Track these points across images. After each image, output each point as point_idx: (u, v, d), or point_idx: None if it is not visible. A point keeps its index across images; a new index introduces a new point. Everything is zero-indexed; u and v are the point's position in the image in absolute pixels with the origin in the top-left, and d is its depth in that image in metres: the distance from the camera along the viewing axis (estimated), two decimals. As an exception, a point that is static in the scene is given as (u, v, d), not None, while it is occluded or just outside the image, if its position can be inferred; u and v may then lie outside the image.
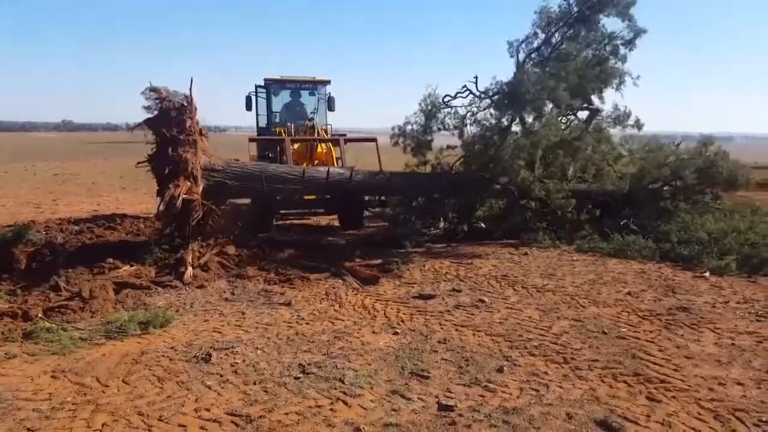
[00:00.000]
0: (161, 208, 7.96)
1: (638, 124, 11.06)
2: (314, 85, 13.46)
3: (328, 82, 13.48)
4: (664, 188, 10.60)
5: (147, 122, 8.29)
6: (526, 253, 9.00)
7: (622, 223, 9.67)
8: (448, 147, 10.94)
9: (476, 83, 10.50)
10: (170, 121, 8.24)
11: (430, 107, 10.50)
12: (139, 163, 8.58)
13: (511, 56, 10.60)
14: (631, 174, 10.86)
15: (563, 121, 11.05)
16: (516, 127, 10.44)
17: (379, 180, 10.36)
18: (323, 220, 12.61)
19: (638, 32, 10.64)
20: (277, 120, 12.92)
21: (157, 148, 8.33)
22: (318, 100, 13.47)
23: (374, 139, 11.66)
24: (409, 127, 10.64)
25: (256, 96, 13.17)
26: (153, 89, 8.25)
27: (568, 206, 9.78)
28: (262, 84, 13.17)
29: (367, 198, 11.23)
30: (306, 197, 10.74)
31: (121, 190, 18.45)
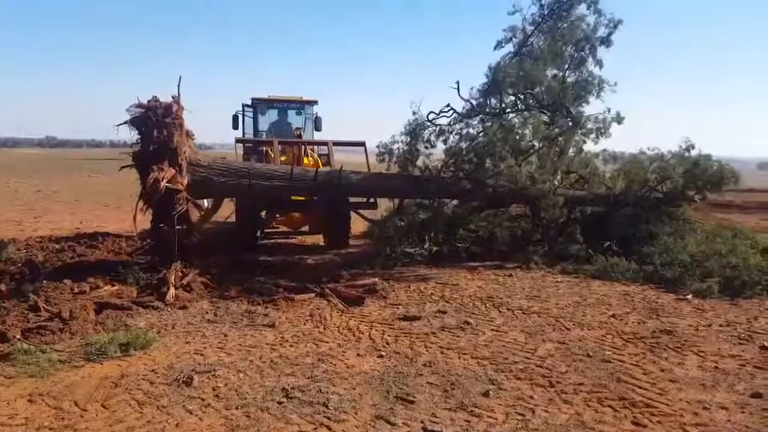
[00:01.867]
0: (143, 192, 7.86)
1: (618, 118, 11.00)
2: (301, 105, 13.54)
3: (316, 102, 13.57)
4: (652, 193, 10.65)
5: (132, 121, 8.20)
6: (510, 275, 9.01)
7: (605, 245, 9.72)
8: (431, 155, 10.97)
9: (458, 89, 10.68)
10: (156, 112, 8.20)
11: (414, 127, 10.57)
12: (123, 167, 8.52)
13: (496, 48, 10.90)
14: (618, 182, 10.97)
15: (545, 119, 11.04)
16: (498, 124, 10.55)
17: (368, 181, 10.34)
18: (308, 240, 12.57)
19: (615, 25, 10.79)
20: (265, 137, 12.93)
21: (142, 145, 8.24)
22: (305, 120, 13.52)
23: (363, 143, 11.65)
24: (395, 146, 10.71)
25: (243, 115, 13.20)
26: (139, 105, 8.22)
27: (560, 214, 9.82)
28: (250, 103, 13.20)
29: (354, 200, 11.06)
30: (293, 198, 10.64)
31: (103, 208, 18.23)
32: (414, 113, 10.58)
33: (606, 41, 10.83)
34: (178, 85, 8.48)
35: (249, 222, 10.95)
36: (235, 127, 13.12)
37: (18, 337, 5.55)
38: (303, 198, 10.70)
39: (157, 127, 8.14)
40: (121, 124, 8.20)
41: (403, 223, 10.41)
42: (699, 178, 10.26)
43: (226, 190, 9.68)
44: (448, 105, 10.67)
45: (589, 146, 11.35)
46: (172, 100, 8.40)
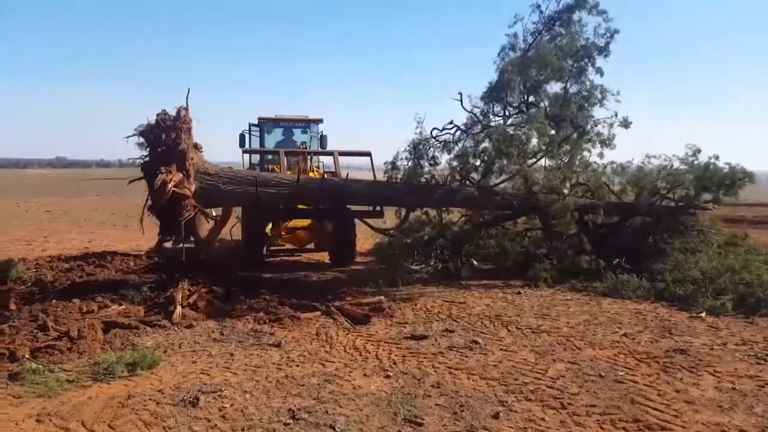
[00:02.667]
0: (149, 196, 7.81)
1: (626, 123, 10.87)
2: (307, 124, 13.62)
3: (321, 120, 13.65)
4: (664, 201, 10.54)
5: (142, 132, 8.23)
6: (519, 292, 8.93)
7: (615, 261, 9.62)
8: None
9: (461, 100, 10.67)
10: (165, 119, 8.25)
11: (418, 143, 10.52)
12: (131, 180, 8.52)
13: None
14: (627, 191, 10.89)
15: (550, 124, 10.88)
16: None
17: (374, 189, 10.30)
18: (314, 257, 12.54)
19: (612, 35, 10.68)
20: (270, 158, 13.00)
21: (150, 155, 8.24)
22: (311, 138, 13.59)
23: (369, 153, 11.57)
24: (400, 162, 10.67)
25: (250, 134, 13.30)
26: (149, 123, 8.25)
27: (570, 220, 9.76)
28: (256, 122, 13.32)
29: (357, 208, 10.91)
30: (300, 207, 10.57)
31: (112, 227, 18.32)
32: (417, 125, 10.53)
33: (604, 50, 10.80)
34: (187, 97, 8.54)
35: (255, 240, 10.96)
36: (242, 145, 13.21)
37: (27, 356, 5.55)
38: (309, 207, 10.63)
39: (165, 131, 8.18)
40: (130, 135, 8.22)
41: (408, 241, 10.36)
42: (711, 181, 10.09)
43: (234, 198, 9.56)
44: (451, 122, 10.67)
45: (595, 158, 11.27)
46: (179, 107, 8.46)
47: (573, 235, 10.41)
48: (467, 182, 10.55)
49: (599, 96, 10.84)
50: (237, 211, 11.31)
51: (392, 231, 10.86)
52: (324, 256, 12.21)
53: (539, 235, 11.25)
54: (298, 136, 13.65)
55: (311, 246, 12.37)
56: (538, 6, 10.82)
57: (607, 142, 10.89)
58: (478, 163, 10.50)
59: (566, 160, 10.73)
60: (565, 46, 10.67)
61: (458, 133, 10.66)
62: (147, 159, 8.25)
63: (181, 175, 8.11)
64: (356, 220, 11.22)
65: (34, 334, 6.34)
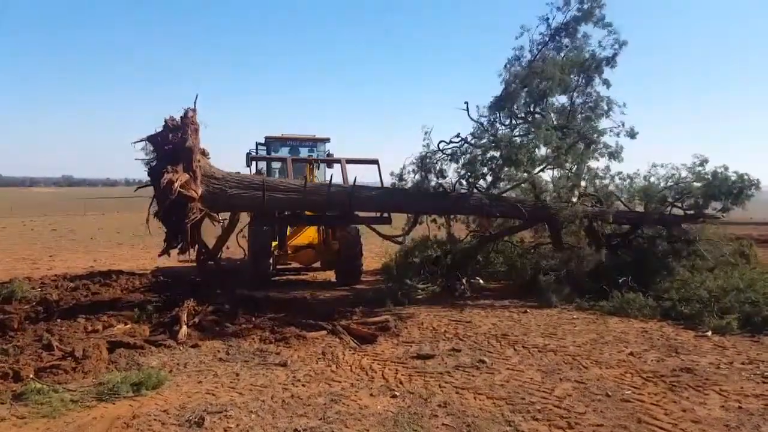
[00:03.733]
0: (155, 197, 7.74)
1: (632, 133, 10.89)
2: (314, 143, 13.70)
3: (328, 140, 13.72)
4: (673, 209, 10.51)
5: (150, 138, 8.25)
6: (525, 311, 8.90)
7: (621, 280, 9.59)
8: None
9: (467, 109, 10.72)
10: (172, 121, 8.29)
11: (426, 157, 10.52)
12: (138, 187, 8.54)
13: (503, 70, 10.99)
14: (635, 200, 10.88)
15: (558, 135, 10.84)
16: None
17: (381, 196, 10.28)
18: (320, 276, 12.54)
19: (620, 46, 10.75)
20: (277, 176, 13.05)
21: (157, 159, 8.23)
22: (317, 155, 13.65)
23: (376, 161, 11.50)
24: (407, 175, 10.66)
25: (257, 153, 13.38)
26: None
27: (579, 225, 9.72)
28: (263, 141, 13.41)
29: (365, 214, 10.91)
30: (308, 213, 10.53)
31: (118, 246, 18.40)
32: (425, 136, 10.51)
33: (611, 62, 10.85)
34: (195, 101, 8.61)
35: (261, 258, 10.96)
36: (249, 164, 13.28)
37: (31, 376, 5.56)
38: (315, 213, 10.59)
39: (172, 131, 8.21)
40: (138, 141, 8.23)
41: (416, 260, 10.35)
42: (719, 190, 10.08)
43: (241, 203, 9.46)
44: (458, 135, 10.69)
45: (602, 169, 11.26)
46: (187, 108, 8.48)
47: (583, 249, 10.34)
48: (475, 190, 10.55)
49: (605, 107, 10.89)
50: (243, 231, 11.33)
51: (400, 237, 10.82)
52: (330, 275, 12.21)
53: (549, 251, 11.16)
54: (305, 155, 13.73)
55: (317, 265, 12.37)
56: (546, 18, 10.89)
57: (615, 155, 10.90)
58: (485, 170, 10.49)
59: (574, 170, 10.71)
60: (571, 58, 10.74)
61: (465, 145, 10.67)
62: (154, 164, 8.20)
63: (187, 176, 8.03)
64: (362, 233, 11.22)
65: (39, 353, 6.35)
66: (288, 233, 11.54)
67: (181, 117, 8.37)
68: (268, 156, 13.05)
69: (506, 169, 10.37)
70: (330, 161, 12.50)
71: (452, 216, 10.91)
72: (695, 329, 7.74)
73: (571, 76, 10.79)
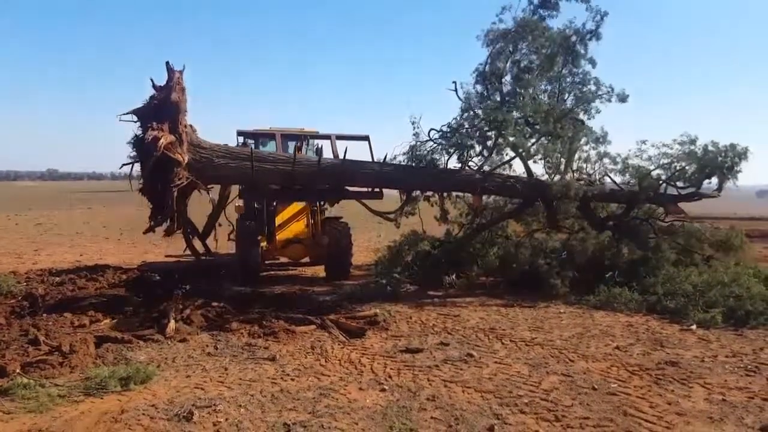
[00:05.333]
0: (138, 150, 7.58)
1: (623, 96, 10.94)
2: (304, 137, 13.58)
3: (317, 133, 13.63)
4: (668, 188, 10.56)
5: (136, 111, 8.10)
6: (513, 305, 8.96)
7: (607, 275, 9.68)
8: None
9: (456, 90, 10.70)
10: (159, 86, 8.16)
11: (415, 147, 10.51)
12: (124, 164, 8.20)
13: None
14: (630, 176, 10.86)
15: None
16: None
17: (372, 170, 10.17)
18: (308, 271, 12.53)
19: (602, 17, 10.73)
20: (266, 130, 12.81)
21: (142, 126, 8.05)
22: (306, 151, 13.57)
23: (367, 138, 11.42)
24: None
25: (245, 146, 13.22)
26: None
27: (574, 197, 9.71)
28: (249, 132, 13.23)
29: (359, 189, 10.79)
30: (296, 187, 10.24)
31: (104, 240, 18.23)
32: (413, 125, 10.54)
33: (595, 34, 10.80)
34: (183, 68, 8.50)
35: (250, 253, 10.89)
36: (238, 143, 13.08)
37: (18, 371, 5.51)
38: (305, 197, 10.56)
39: (157, 90, 8.09)
40: (125, 113, 8.03)
41: (407, 258, 10.34)
42: (712, 163, 10.11)
43: (228, 173, 9.26)
44: (447, 124, 10.72)
45: (592, 154, 11.33)
46: (174, 69, 8.30)
47: (584, 231, 10.34)
48: (467, 168, 10.51)
49: (593, 88, 10.93)
50: (232, 224, 11.25)
51: (392, 214, 10.74)
52: (318, 270, 12.19)
53: (545, 239, 11.17)
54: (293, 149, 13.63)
55: (306, 260, 12.35)
56: None
57: (601, 140, 10.95)
58: (473, 143, 10.46)
59: (566, 147, 10.66)
60: (553, 34, 10.71)
61: (454, 122, 10.65)
62: (140, 134, 8.00)
63: (173, 137, 7.84)
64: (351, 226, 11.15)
65: (25, 348, 6.29)
66: (276, 224, 11.42)
67: (167, 78, 8.19)
68: (257, 131, 12.73)
69: (490, 134, 10.27)
70: (320, 137, 12.31)
71: (446, 194, 10.80)
72: (680, 323, 7.84)
73: (558, 58, 10.76)
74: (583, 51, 10.90)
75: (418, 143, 10.48)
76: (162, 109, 8.02)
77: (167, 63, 8.29)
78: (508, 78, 10.89)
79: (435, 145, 10.59)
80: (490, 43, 10.70)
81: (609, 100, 10.95)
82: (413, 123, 10.50)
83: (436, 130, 10.63)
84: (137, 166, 8.07)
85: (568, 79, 11.12)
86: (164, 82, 8.23)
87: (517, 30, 10.49)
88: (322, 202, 11.94)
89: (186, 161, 8.12)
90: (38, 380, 5.33)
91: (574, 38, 10.79)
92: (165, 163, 7.73)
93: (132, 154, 8.08)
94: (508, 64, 10.85)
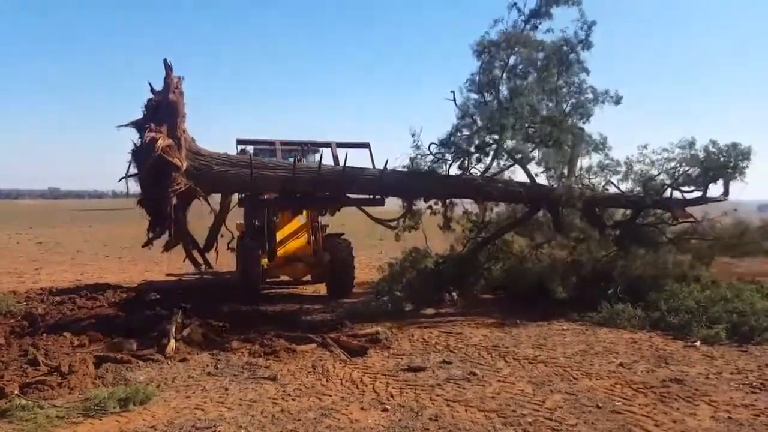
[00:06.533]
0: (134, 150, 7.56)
1: (617, 97, 10.88)
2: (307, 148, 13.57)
3: (317, 142, 13.60)
4: (673, 193, 10.48)
5: (135, 123, 8.11)
6: (516, 322, 8.89)
7: (610, 291, 9.61)
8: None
9: (454, 99, 10.70)
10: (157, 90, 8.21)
11: (415, 162, 10.49)
12: (121, 178, 8.10)
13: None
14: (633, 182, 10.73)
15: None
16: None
17: (372, 175, 10.09)
18: (309, 288, 12.47)
19: (590, 26, 10.68)
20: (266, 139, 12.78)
21: (141, 137, 8.03)
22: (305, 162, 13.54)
23: (367, 145, 11.30)
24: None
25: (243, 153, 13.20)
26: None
27: (577, 202, 9.64)
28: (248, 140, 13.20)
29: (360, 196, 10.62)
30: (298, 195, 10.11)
31: (104, 259, 18.21)
32: (413, 138, 10.48)
33: (586, 43, 10.82)
34: (182, 79, 8.55)
35: (251, 271, 10.82)
36: (238, 151, 13.04)
37: (16, 392, 5.46)
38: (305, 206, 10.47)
39: (155, 93, 8.12)
40: (124, 125, 8.05)
41: (410, 275, 10.28)
42: (716, 164, 9.96)
43: (228, 181, 9.17)
44: (448, 136, 10.72)
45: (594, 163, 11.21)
46: (172, 73, 8.34)
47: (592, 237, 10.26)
48: (468, 174, 10.48)
49: (591, 96, 10.91)
50: (232, 233, 11.19)
51: (394, 222, 10.67)
52: (320, 287, 12.12)
53: (552, 250, 11.08)
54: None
55: (308, 278, 12.28)
56: (515, 4, 10.74)
57: (601, 146, 10.86)
58: (472, 149, 10.41)
59: (567, 153, 10.58)
60: (546, 43, 10.75)
61: (454, 138, 10.64)
62: (138, 144, 7.96)
63: (171, 140, 7.79)
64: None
65: (24, 369, 6.25)
66: (277, 240, 11.38)
67: (164, 82, 8.22)
68: (256, 140, 12.69)
69: (489, 139, 10.24)
70: (320, 144, 12.29)
71: (449, 201, 10.75)
72: (684, 339, 7.78)
73: (551, 70, 10.80)
74: (576, 60, 10.96)
75: (419, 156, 10.47)
76: (160, 111, 8.06)
77: (165, 60, 8.33)
78: (503, 88, 10.93)
79: (435, 158, 10.59)
80: (479, 55, 10.73)
81: (603, 102, 10.94)
82: (413, 135, 10.51)
83: (435, 144, 10.65)
84: (136, 180, 8.08)
85: (563, 90, 11.15)
86: (162, 81, 8.30)
87: (507, 41, 10.54)
88: (322, 216, 11.89)
89: (185, 167, 8.08)
90: (37, 401, 5.28)
91: (565, 48, 10.86)
92: (163, 167, 7.69)
93: (131, 164, 8.06)
94: (504, 74, 10.89)
